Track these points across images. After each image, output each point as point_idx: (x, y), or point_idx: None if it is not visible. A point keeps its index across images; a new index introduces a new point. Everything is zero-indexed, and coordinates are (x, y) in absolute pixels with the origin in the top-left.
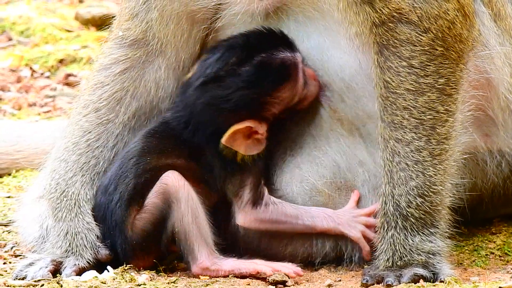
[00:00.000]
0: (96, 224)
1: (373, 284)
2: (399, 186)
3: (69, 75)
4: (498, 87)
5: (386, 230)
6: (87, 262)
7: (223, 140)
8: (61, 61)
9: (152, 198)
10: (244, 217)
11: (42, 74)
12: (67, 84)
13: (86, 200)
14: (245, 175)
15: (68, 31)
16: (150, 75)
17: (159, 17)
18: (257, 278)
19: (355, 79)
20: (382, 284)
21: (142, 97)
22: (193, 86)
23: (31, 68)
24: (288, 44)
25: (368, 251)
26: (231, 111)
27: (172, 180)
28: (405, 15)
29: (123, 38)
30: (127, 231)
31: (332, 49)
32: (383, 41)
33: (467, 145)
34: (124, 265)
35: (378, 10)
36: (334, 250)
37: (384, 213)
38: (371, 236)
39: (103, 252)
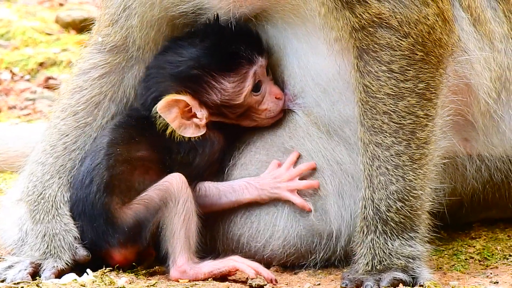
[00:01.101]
0: (75, 223)
1: None
2: (379, 190)
3: (49, 78)
4: (477, 92)
5: (366, 234)
6: (66, 263)
7: (158, 106)
8: (41, 64)
9: (151, 192)
10: None
11: (22, 77)
12: (47, 87)
13: (63, 202)
14: (192, 167)
15: (48, 34)
16: (130, 80)
17: (139, 24)
18: (236, 282)
19: (332, 84)
20: None
21: (121, 101)
22: (151, 59)
23: (11, 71)
24: (257, 46)
25: (300, 202)
26: (174, 78)
27: (176, 181)
28: (385, 20)
29: (102, 43)
30: (116, 219)
31: (310, 54)
32: (363, 45)
33: (446, 150)
34: (104, 268)
35: (358, 15)
36: (310, 253)
37: (364, 217)
38: (300, 185)
39: (81, 253)
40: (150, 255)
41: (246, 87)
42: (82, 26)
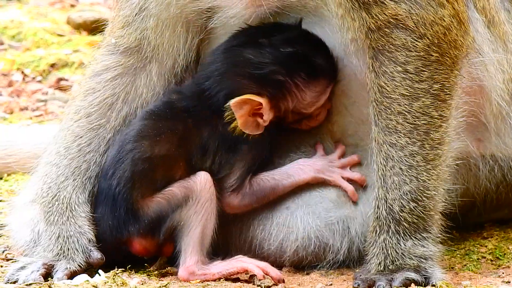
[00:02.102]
0: (90, 222)
1: None
2: (393, 190)
3: (60, 79)
4: (490, 94)
5: (379, 234)
6: (79, 265)
7: (233, 101)
8: (52, 65)
9: (174, 188)
10: (229, 205)
11: (33, 78)
12: (59, 88)
13: (78, 204)
14: (238, 159)
15: (60, 35)
16: (142, 81)
17: (154, 26)
18: (248, 282)
19: (349, 84)
20: None
21: (133, 102)
22: (223, 48)
23: (22, 72)
24: (335, 63)
25: (352, 191)
26: (256, 80)
27: (201, 181)
28: (401, 21)
29: (115, 45)
30: (137, 211)
31: None
32: (378, 46)
33: (460, 151)
34: (116, 268)
35: (375, 16)
36: (324, 256)
37: (377, 217)
38: (353, 176)
39: (95, 256)
40: (169, 250)
41: (321, 101)
42: (93, 27)
